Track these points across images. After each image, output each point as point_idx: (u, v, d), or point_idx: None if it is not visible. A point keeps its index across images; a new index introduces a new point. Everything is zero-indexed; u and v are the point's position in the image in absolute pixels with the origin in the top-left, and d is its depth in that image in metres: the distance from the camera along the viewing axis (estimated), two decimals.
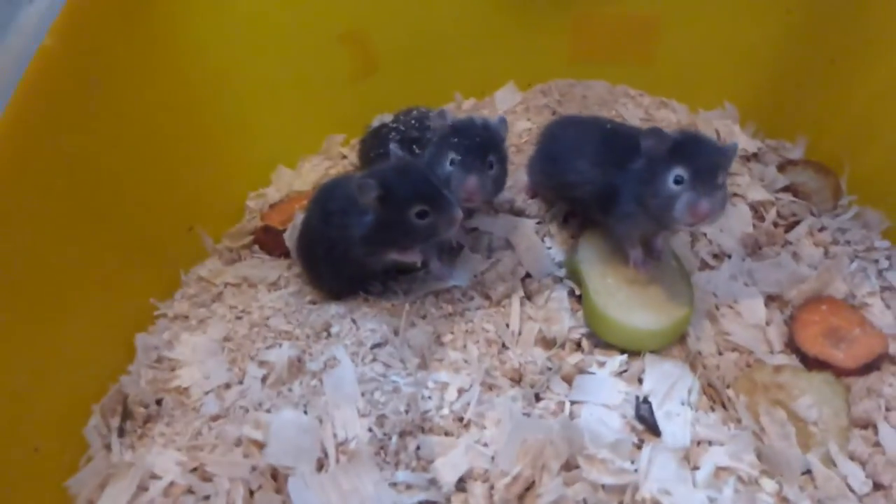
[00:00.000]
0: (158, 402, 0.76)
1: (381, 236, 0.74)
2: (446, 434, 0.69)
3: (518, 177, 0.95)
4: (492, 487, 0.66)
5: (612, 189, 0.77)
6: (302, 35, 1.00)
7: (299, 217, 0.88)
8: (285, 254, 0.90)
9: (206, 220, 0.94)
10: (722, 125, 1.07)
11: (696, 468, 0.68)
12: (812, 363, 0.78)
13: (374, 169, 0.76)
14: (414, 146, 0.88)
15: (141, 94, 0.83)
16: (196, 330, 0.81)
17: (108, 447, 0.72)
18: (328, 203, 0.78)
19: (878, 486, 0.68)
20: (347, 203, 0.74)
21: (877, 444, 0.71)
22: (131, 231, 0.82)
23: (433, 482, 0.66)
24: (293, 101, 1.03)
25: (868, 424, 0.73)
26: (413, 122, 0.93)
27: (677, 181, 0.70)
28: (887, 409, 0.74)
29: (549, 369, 0.75)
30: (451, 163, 0.78)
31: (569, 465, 0.67)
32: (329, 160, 1.06)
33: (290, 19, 0.99)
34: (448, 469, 0.66)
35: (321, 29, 1.02)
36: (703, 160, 0.70)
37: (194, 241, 0.93)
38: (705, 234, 0.91)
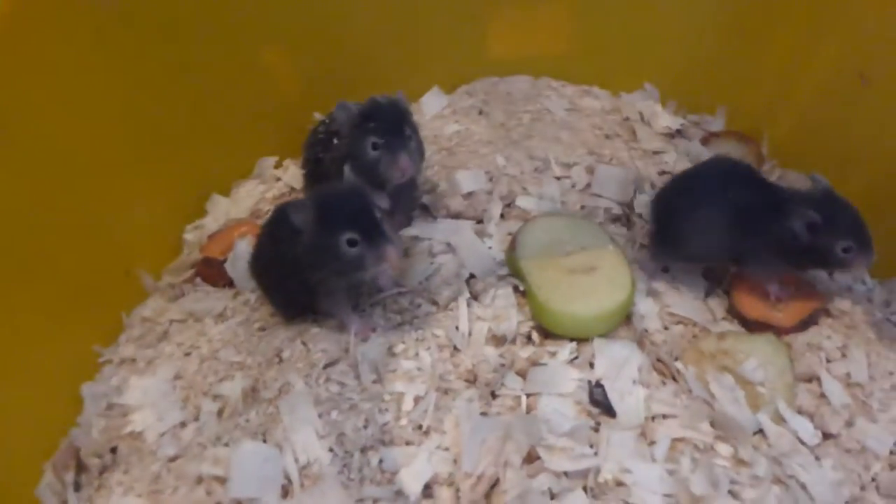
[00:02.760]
0: (113, 451, 0.75)
1: (314, 259, 0.72)
2: (407, 444, 0.69)
3: (453, 179, 0.95)
4: (458, 490, 0.66)
5: (751, 251, 0.79)
6: (224, 59, 0.99)
7: (240, 245, 0.87)
8: (229, 283, 0.89)
9: (143, 259, 0.93)
10: (644, 106, 1.10)
11: (653, 443, 0.69)
12: (753, 326, 0.81)
13: (316, 191, 0.74)
14: (334, 139, 0.87)
15: (55, 135, 0.81)
16: (145, 372, 0.80)
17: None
18: (277, 225, 0.77)
19: (827, 436, 0.71)
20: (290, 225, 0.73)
21: (822, 396, 0.74)
22: (63, 281, 0.80)
23: (399, 493, 0.66)
24: (222, 128, 1.02)
25: (812, 378, 0.76)
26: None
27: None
28: (828, 361, 0.77)
29: (503, 366, 0.76)
30: (374, 147, 0.79)
31: (531, 458, 0.68)
32: (263, 184, 1.05)
33: (210, 42, 0.98)
34: (413, 478, 0.66)
35: (240, 53, 1.01)
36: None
37: (133, 282, 0.91)
38: (640, 215, 0.93)
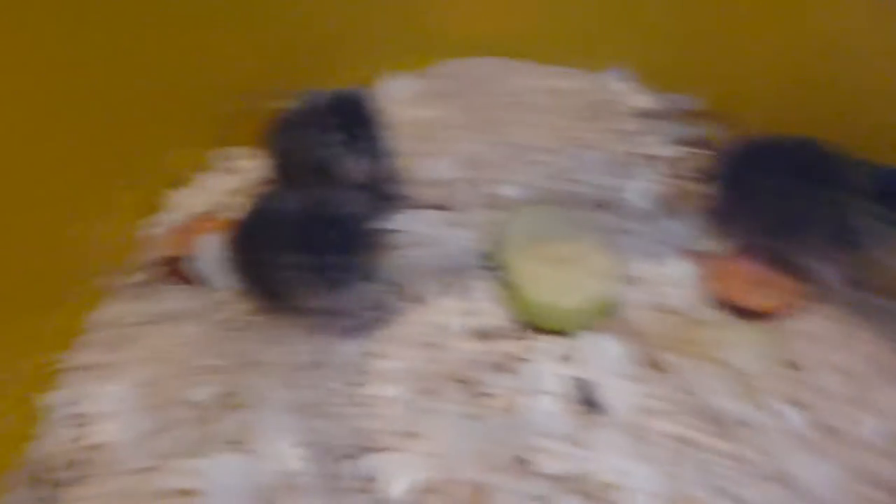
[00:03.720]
0: (76, 465, 0.70)
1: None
2: (390, 449, 0.67)
3: (427, 169, 0.92)
4: (445, 496, 0.64)
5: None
6: (171, 42, 0.93)
7: (205, 240, 0.83)
8: (195, 281, 0.84)
9: (102, 258, 0.86)
10: (619, 86, 1.07)
11: (645, 440, 0.68)
12: (744, 314, 0.79)
13: None
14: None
15: None
16: (109, 378, 0.75)
17: None
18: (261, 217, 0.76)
19: (824, 428, 0.69)
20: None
21: (817, 386, 0.73)
22: (13, 286, 0.75)
23: (383, 501, 0.63)
24: (178, 117, 0.95)
25: (805, 367, 0.74)
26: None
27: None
28: (823, 349, 0.75)
29: (486, 363, 0.74)
30: (336, 144, 0.78)
31: (519, 461, 0.65)
32: (227, 175, 0.99)
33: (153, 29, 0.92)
34: (398, 485, 0.64)
35: (190, 34, 0.94)
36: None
37: (92, 284, 0.86)
38: (623, 200, 0.91)
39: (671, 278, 0.83)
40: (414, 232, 0.85)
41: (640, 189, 0.92)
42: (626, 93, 1.07)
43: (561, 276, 0.77)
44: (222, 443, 0.67)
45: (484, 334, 0.76)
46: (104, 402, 0.74)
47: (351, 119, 0.78)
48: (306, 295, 0.73)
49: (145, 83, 0.91)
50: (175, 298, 0.83)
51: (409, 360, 0.73)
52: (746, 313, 0.79)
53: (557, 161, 0.94)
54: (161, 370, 0.75)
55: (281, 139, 0.87)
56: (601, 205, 0.91)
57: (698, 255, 0.86)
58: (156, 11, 0.90)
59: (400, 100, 1.05)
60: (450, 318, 0.77)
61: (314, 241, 0.68)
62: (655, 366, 0.75)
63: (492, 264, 0.82)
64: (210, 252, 0.83)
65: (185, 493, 0.65)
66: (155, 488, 0.66)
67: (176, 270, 0.86)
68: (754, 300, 0.80)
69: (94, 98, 0.85)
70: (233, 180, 0.98)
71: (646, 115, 1.05)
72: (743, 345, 0.74)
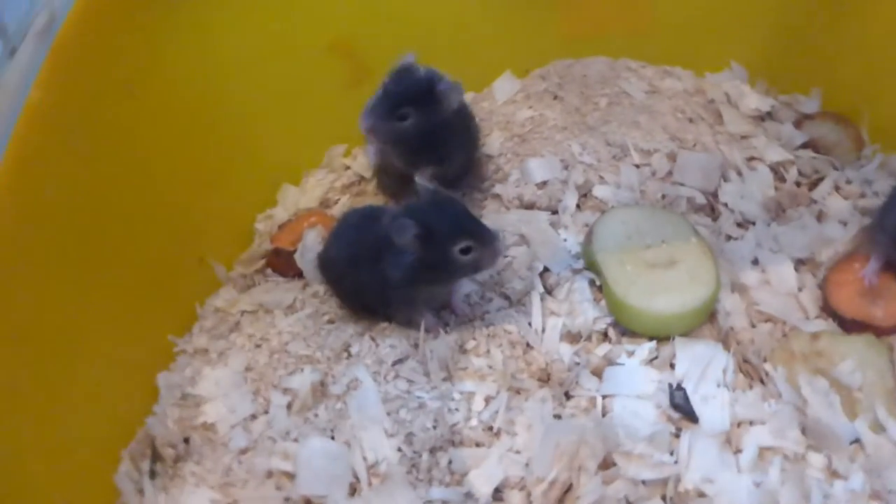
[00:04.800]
0: (186, 441, 0.75)
1: (423, 275, 0.72)
2: (477, 445, 0.68)
3: (526, 167, 0.92)
4: (529, 495, 0.64)
5: None
6: (292, 47, 0.98)
7: (310, 235, 0.87)
8: (298, 274, 0.89)
9: (216, 248, 0.93)
10: (731, 87, 1.04)
11: (738, 451, 0.66)
12: (850, 325, 0.75)
13: (407, 206, 0.74)
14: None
15: (135, 128, 0.82)
16: (217, 363, 0.80)
17: (140, 492, 0.71)
18: (354, 244, 0.77)
19: None
20: (379, 242, 0.72)
21: None
22: (141, 270, 0.81)
23: (469, 496, 0.64)
24: (292, 117, 1.01)
25: None
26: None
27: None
28: None
29: (578, 364, 0.73)
30: (403, 118, 0.80)
31: (606, 464, 0.65)
32: (333, 172, 1.04)
33: (277, 32, 0.97)
34: (483, 481, 0.65)
35: (310, 39, 1.00)
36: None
37: (206, 272, 0.92)
38: (726, 205, 0.88)
39: (776, 285, 0.80)
40: (512, 232, 0.86)
41: (746, 192, 0.89)
42: (738, 94, 1.03)
43: (659, 278, 0.75)
44: (317, 430, 0.70)
45: (577, 335, 0.76)
46: (213, 385, 0.79)
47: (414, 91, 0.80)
48: (406, 305, 0.76)
49: (271, 89, 0.97)
50: (278, 289, 0.88)
51: (500, 358, 0.74)
52: (857, 325, 0.75)
53: (660, 163, 0.92)
54: (264, 357, 0.79)
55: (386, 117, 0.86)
56: (702, 208, 0.88)
57: (807, 263, 0.82)
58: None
59: (505, 100, 1.06)
60: (544, 319, 0.77)
61: (448, 257, 0.71)
62: (754, 375, 0.72)
63: (588, 265, 0.81)
64: (311, 247, 0.87)
65: (282, 474, 0.68)
66: (254, 469, 0.70)
67: (281, 262, 0.91)
68: (867, 311, 0.75)
69: (227, 102, 0.92)
70: (340, 177, 1.02)
71: (758, 116, 1.01)
72: (851, 358, 0.70)
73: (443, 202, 0.72)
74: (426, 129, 0.82)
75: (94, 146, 0.77)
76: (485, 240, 0.70)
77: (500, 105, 1.04)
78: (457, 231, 0.70)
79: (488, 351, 0.75)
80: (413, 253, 0.70)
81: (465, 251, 0.70)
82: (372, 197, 0.98)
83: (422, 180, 0.74)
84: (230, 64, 0.93)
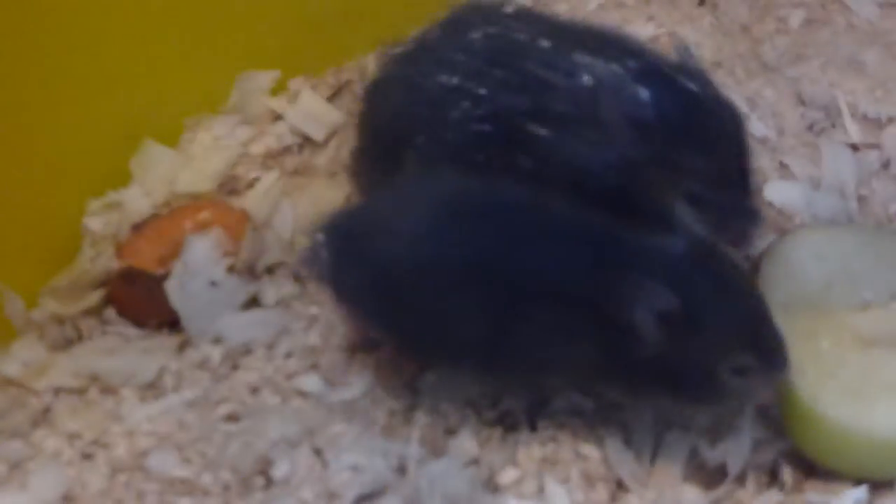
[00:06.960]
0: None
1: (643, 376, 0.46)
2: None
3: None
4: None
5: None
6: None
7: (196, 246, 0.50)
8: (170, 322, 0.54)
9: (7, 262, 0.56)
10: None
11: None
12: None
13: (651, 254, 0.46)
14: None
15: None
16: (4, 484, 0.47)
17: None
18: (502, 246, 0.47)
19: None
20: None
21: None
22: None
23: None
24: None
25: None
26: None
27: None
28: None
29: None
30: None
31: None
32: (247, 125, 0.66)
33: None
34: None
35: None
36: None
37: None
38: None
39: None
40: None
41: None
42: None
43: (882, 368, 0.48)
44: None
45: (717, 471, 0.46)
46: None
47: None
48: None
49: None
50: (130, 349, 0.55)
51: None
52: None
53: None
54: (95, 480, 0.44)
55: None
56: None
57: None
58: None
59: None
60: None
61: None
62: None
63: None
64: (199, 268, 0.56)
65: None
66: None
67: (136, 296, 0.57)
68: None
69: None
70: (264, 134, 0.67)
71: None
72: None
73: (723, 271, 0.48)
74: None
75: None
76: (772, 359, 0.47)
77: (593, 9, 0.71)
78: (735, 334, 0.46)
79: (542, 489, 0.45)
80: (648, 342, 0.45)
81: (741, 371, 0.46)
82: (325, 178, 0.64)
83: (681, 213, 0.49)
84: None
